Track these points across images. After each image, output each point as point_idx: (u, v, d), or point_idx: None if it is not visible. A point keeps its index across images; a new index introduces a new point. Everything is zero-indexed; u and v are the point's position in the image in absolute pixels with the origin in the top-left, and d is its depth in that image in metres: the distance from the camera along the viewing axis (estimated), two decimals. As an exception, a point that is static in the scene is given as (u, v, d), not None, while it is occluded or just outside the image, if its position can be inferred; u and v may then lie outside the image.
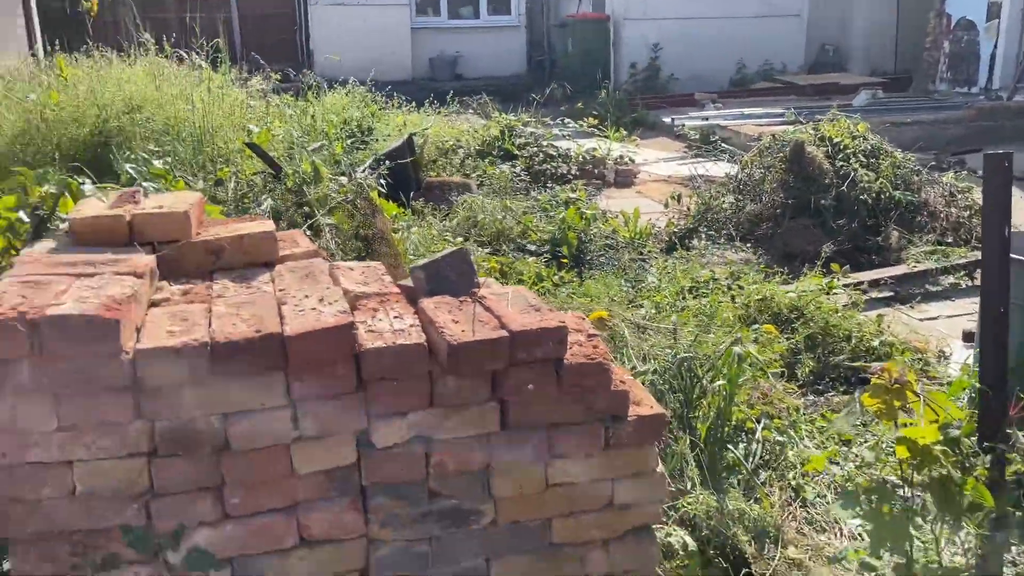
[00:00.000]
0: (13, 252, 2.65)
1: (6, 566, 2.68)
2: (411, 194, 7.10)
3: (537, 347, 2.20)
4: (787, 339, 4.55)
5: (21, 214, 2.65)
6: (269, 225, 2.71)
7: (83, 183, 2.74)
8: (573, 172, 9.27)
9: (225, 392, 2.06)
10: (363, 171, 5.02)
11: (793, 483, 3.37)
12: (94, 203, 2.65)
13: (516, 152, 9.42)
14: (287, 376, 2.09)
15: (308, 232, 4.03)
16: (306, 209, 4.36)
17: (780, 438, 3.51)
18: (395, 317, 2.30)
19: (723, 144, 10.95)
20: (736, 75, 17.21)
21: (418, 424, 2.20)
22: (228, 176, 4.39)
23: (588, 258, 6.28)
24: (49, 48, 9.19)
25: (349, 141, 8.30)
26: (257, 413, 2.10)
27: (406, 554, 2.27)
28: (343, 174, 4.76)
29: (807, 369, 4.44)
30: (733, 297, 5.13)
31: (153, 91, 7.05)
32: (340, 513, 2.21)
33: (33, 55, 9.72)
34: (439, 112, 10.47)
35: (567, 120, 11.17)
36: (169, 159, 5.38)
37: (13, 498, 2.02)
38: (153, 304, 2.29)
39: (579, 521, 2.37)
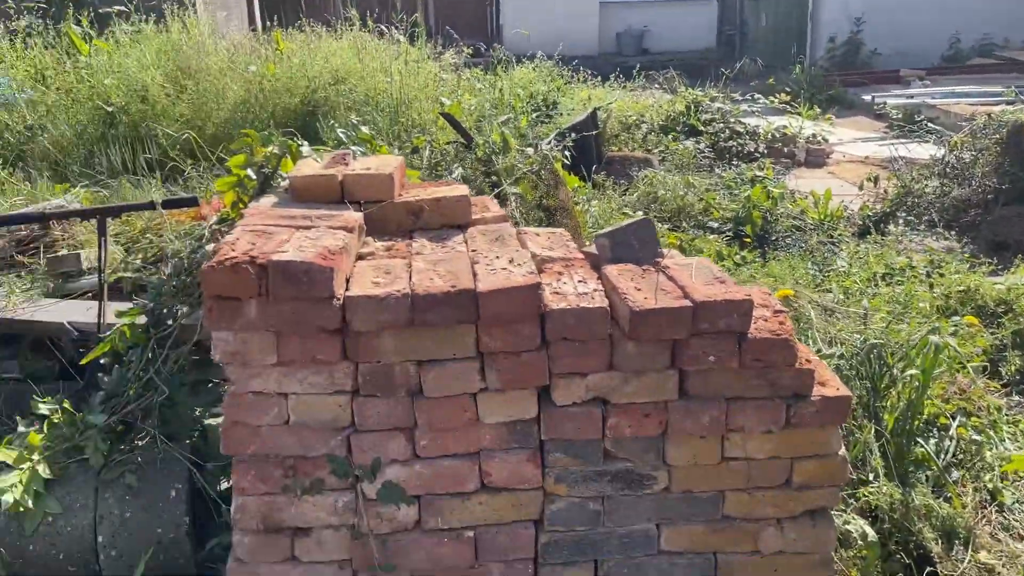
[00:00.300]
0: (241, 205, 2.95)
1: (223, 485, 3.03)
2: (593, 168, 7.14)
3: (720, 319, 2.20)
4: (991, 334, 4.21)
5: (249, 171, 2.94)
6: (464, 190, 2.85)
7: (301, 145, 3.00)
8: (760, 150, 8.96)
9: (421, 341, 2.22)
10: (548, 143, 5.11)
11: (989, 485, 3.15)
12: (311, 163, 2.90)
13: (701, 128, 9.22)
14: (477, 330, 2.22)
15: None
16: (493, 178, 4.50)
17: (977, 437, 3.28)
18: (579, 281, 2.37)
19: (929, 124, 10.15)
20: (948, 51, 15.85)
21: (597, 386, 2.26)
22: (423, 144, 4.61)
23: (773, 238, 6.08)
24: (267, 24, 9.98)
25: (534, 114, 8.46)
26: (448, 363, 2.24)
27: (579, 510, 2.35)
28: (530, 145, 4.88)
29: (1013, 367, 4.10)
30: (932, 286, 4.81)
31: (356, 64, 7.52)
32: (519, 464, 2.32)
33: (253, 30, 10.59)
34: (624, 87, 10.41)
35: (757, 96, 10.77)
36: (369, 128, 5.73)
37: (238, 422, 2.28)
38: (360, 257, 2.49)
39: (754, 497, 2.35)
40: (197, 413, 3.09)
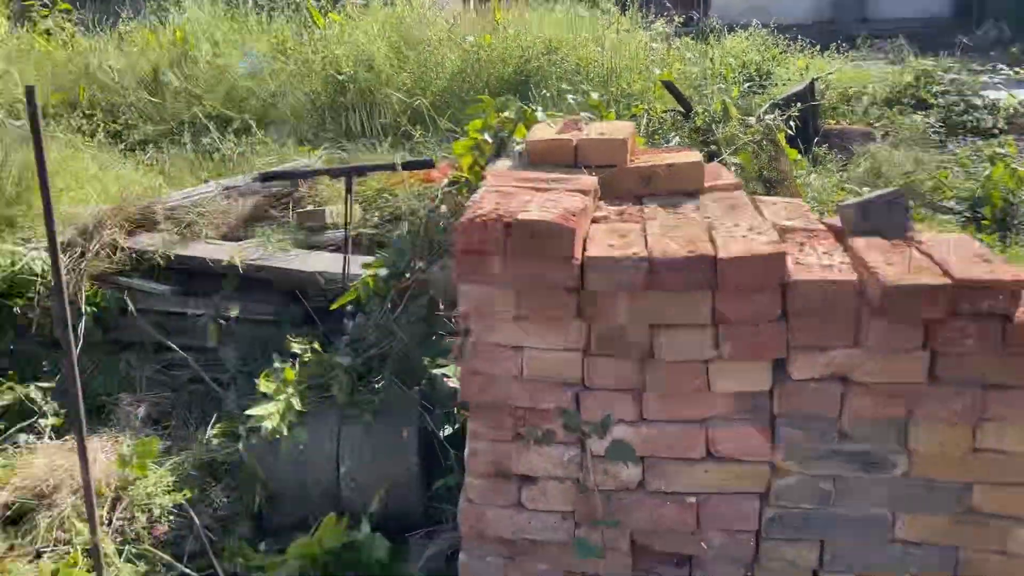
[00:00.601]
0: (477, 168, 3.09)
1: (446, 431, 3.22)
2: (815, 140, 6.82)
3: (984, 299, 2.05)
4: None
5: (485, 136, 3.07)
6: (697, 156, 2.82)
7: (536, 111, 3.09)
8: (1000, 126, 8.13)
9: (655, 305, 2.23)
10: (771, 113, 4.93)
11: None
12: (545, 128, 2.98)
13: (931, 101, 8.50)
14: (714, 297, 2.20)
15: (713, 170, 4.09)
16: (712, 148, 4.42)
17: None
18: (823, 253, 2.29)
19: None
20: None
21: (838, 362, 2.18)
22: (641, 113, 4.60)
23: (1016, 222, 5.53)
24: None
25: (746, 85, 8.17)
26: (681, 328, 2.24)
27: (808, 488, 2.29)
28: (751, 115, 4.73)
29: None
30: None
31: (568, 34, 7.59)
32: (748, 436, 2.29)
33: (465, 2, 10.92)
34: (845, 56, 9.81)
35: (999, 66, 9.77)
36: (579, 97, 5.79)
37: (476, 371, 2.40)
38: (593, 220, 2.53)
39: (1007, 493, 2.19)
40: (426, 362, 3.30)
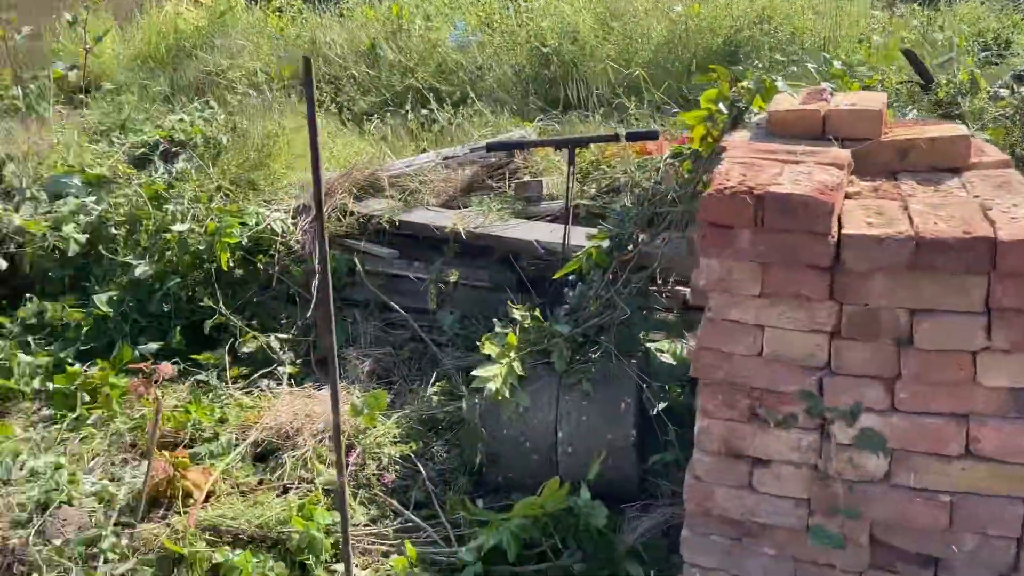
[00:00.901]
0: (709, 139, 3.00)
1: (660, 406, 3.19)
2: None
3: None
4: None
5: (720, 106, 2.97)
6: (962, 130, 2.61)
7: (775, 80, 2.95)
8: None
9: (918, 288, 2.09)
10: (1021, 85, 4.45)
11: None
12: (787, 99, 2.84)
13: None
14: (990, 283, 2.02)
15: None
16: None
17: None
18: (1125, 239, 2.03)
19: None
20: None
21: None
22: (874, 83, 4.29)
23: None
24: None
25: (982, 54, 7.44)
26: (947, 315, 2.08)
27: (1086, 498, 2.07)
28: (1005, 87, 4.30)
29: None
30: None
31: (782, 2, 7.23)
32: (1017, 435, 2.10)
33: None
34: (1103, 20, 8.69)
35: None
36: (795, 68, 5.48)
37: (709, 348, 2.35)
38: (845, 196, 2.39)
39: None
40: (642, 336, 3.28)
